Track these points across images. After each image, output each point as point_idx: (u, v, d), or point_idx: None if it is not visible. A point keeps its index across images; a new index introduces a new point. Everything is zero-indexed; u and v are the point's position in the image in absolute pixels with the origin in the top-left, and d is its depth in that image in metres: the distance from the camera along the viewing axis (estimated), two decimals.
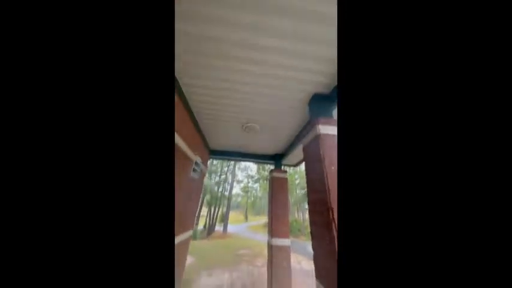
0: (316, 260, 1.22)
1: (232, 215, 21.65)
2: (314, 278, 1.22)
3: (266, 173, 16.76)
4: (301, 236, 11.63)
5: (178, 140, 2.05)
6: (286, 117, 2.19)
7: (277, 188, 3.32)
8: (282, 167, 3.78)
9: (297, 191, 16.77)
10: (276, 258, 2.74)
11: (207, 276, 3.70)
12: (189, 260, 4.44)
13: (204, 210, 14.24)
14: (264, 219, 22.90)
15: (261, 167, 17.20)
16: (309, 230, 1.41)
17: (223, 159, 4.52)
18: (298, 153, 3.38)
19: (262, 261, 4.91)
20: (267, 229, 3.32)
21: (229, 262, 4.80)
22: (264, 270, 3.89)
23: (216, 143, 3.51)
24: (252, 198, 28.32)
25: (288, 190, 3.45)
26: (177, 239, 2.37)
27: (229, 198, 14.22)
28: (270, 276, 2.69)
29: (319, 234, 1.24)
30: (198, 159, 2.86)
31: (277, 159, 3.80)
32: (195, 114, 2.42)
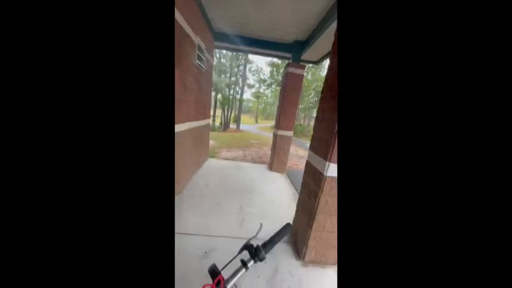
0: (315, 137, 1.43)
1: (243, 117, 23.97)
2: (308, 150, 1.51)
3: (280, 78, 15.29)
4: (302, 137, 13.61)
5: (178, 16, 1.52)
6: None
7: (290, 84, 3.13)
8: (301, 63, 3.22)
9: (309, 97, 16.39)
10: (279, 144, 3.41)
11: (226, 151, 5.13)
12: (212, 143, 5.77)
13: (218, 112, 15.65)
14: (272, 122, 25.54)
15: (274, 69, 15.22)
16: (310, 133, 1.48)
17: (230, 49, 3.81)
18: (324, 43, 2.63)
19: (267, 148, 6.30)
20: (273, 129, 3.74)
21: (243, 145, 6.26)
22: (268, 152, 5.08)
23: (221, 22, 2.70)
24: (263, 104, 29.25)
25: (301, 88, 3.27)
26: (199, 123, 2.83)
27: (240, 101, 14.74)
28: (273, 154, 3.55)
29: (323, 116, 1.32)
30: (201, 43, 2.40)
31: (296, 50, 3.11)
32: None
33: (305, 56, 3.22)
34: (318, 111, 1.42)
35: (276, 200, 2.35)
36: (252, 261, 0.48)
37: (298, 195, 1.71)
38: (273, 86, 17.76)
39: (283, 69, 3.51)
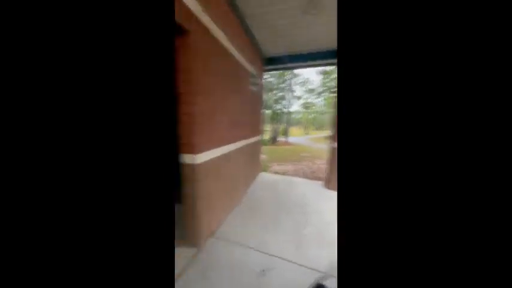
0: None
1: (292, 129, 23.55)
2: None
3: (333, 83, 14.08)
4: None
5: (231, 49, 1.91)
6: None
7: None
8: None
9: None
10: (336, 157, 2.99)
11: (277, 165, 5.12)
12: (262, 157, 6.02)
13: (267, 126, 16.45)
14: (324, 132, 23.23)
15: (326, 76, 14.30)
16: None
17: (278, 68, 4.05)
18: None
19: (320, 161, 5.70)
20: (327, 140, 3.37)
21: (293, 160, 6.05)
22: (322, 166, 4.58)
23: (269, 46, 2.99)
24: (313, 115, 27.54)
25: None
26: (252, 140, 3.10)
27: (288, 113, 14.79)
28: (330, 169, 3.14)
29: None
30: (253, 70, 2.74)
31: None
32: (239, 8, 1.94)
33: None
34: None
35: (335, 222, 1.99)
36: None
37: None
38: (324, 94, 16.56)
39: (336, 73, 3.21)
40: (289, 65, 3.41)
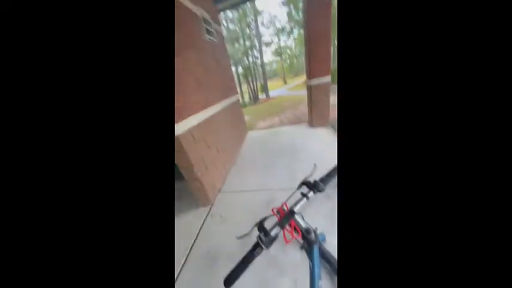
0: None
1: (270, 83, 22.32)
2: None
3: (301, 16, 12.31)
4: None
5: None
6: None
7: (315, 17, 2.49)
8: None
9: None
10: (315, 95, 3.04)
11: (263, 121, 5.20)
12: (246, 118, 5.95)
13: (244, 88, 15.27)
14: (303, 77, 22.43)
15: (292, 6, 12.22)
16: None
17: (235, 4, 3.33)
18: None
19: (303, 105, 5.82)
20: (305, 85, 3.27)
21: (277, 112, 6.11)
22: (305, 110, 4.72)
23: None
24: (288, 61, 25.55)
25: (331, 14, 2.53)
26: (230, 100, 2.94)
27: (262, 65, 13.54)
28: (310, 108, 3.25)
29: None
30: (204, 13, 2.24)
31: None
32: None
33: None
34: None
35: (322, 153, 2.29)
36: (312, 193, 0.53)
37: None
38: (295, 31, 14.69)
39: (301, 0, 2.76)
40: None
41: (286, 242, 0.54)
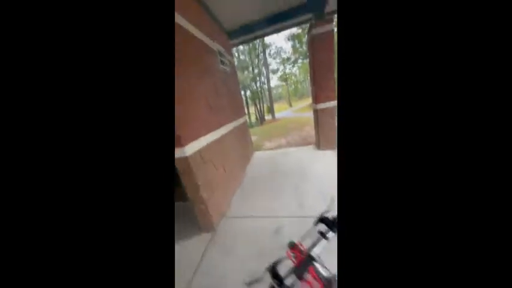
0: None
1: (276, 105, 23.34)
2: None
3: (305, 48, 13.64)
4: None
5: (191, 28, 1.72)
6: None
7: (319, 48, 2.74)
8: (326, 18, 2.73)
9: None
10: (322, 118, 3.10)
11: (269, 142, 5.23)
12: (253, 138, 6.06)
13: (251, 109, 16.08)
14: (308, 100, 23.39)
15: (296, 41, 13.69)
16: None
17: (247, 41, 3.78)
18: None
19: (309, 127, 5.89)
20: (310, 107, 3.41)
21: (283, 133, 6.18)
22: (312, 131, 4.76)
23: (231, 17, 2.74)
24: (293, 86, 27.22)
25: (333, 46, 2.78)
26: (238, 122, 3.06)
27: (269, 90, 14.47)
28: (317, 131, 3.28)
29: None
30: (220, 48, 2.54)
31: (316, 6, 2.67)
32: None
33: (329, 7, 2.69)
34: None
35: (331, 176, 2.19)
36: (331, 232, 0.47)
37: None
38: (299, 61, 16.10)
39: (306, 36, 3.10)
40: (257, 33, 3.19)
41: None
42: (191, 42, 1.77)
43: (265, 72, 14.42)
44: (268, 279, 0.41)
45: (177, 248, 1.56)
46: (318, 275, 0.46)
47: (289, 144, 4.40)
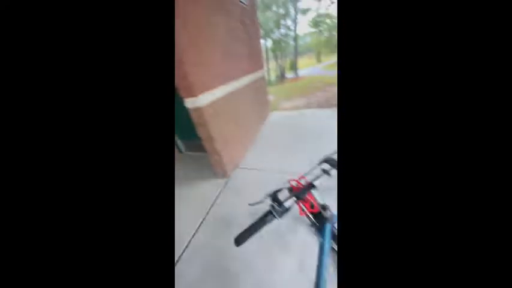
0: None
1: (301, 60, 20.06)
2: None
3: None
4: None
5: None
6: None
7: None
8: None
9: None
10: None
11: (287, 102, 4.86)
12: (270, 97, 5.68)
13: (271, 64, 14.09)
14: None
15: None
16: None
17: None
18: None
19: (335, 88, 5.15)
20: None
21: (305, 93, 5.60)
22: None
23: None
24: (326, 33, 21.78)
25: None
26: (255, 75, 2.77)
27: (295, 38, 11.98)
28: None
29: None
30: None
31: None
32: None
33: None
34: None
35: None
36: (334, 170, 0.52)
37: None
38: None
39: None
40: None
41: (301, 213, 0.54)
42: None
43: (293, 13, 11.45)
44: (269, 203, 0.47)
45: (197, 189, 1.85)
46: (315, 199, 0.53)
47: (310, 106, 4.04)
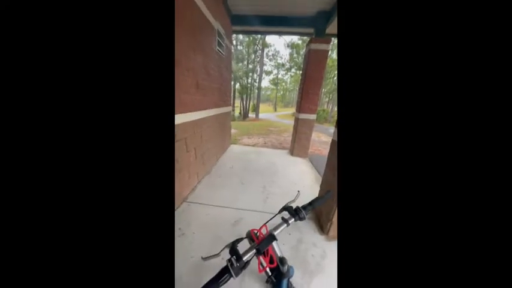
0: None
1: (262, 106, 23.61)
2: (334, 128, 1.45)
3: (300, 59, 14.26)
4: (325, 123, 12.80)
5: None
6: None
7: (313, 63, 2.92)
8: (325, 37, 2.94)
9: (333, 79, 14.95)
10: (300, 127, 3.32)
11: (247, 138, 5.28)
12: (233, 131, 5.99)
13: (237, 102, 15.78)
14: (292, 110, 24.50)
15: (294, 50, 14.20)
16: (334, 119, 1.39)
17: (248, 32, 3.72)
18: None
19: (287, 134, 6.21)
20: (293, 116, 3.61)
21: (262, 133, 6.34)
22: (288, 138, 5.03)
23: (240, 2, 2.64)
24: (282, 92, 28.07)
25: (325, 66, 3.02)
26: (222, 110, 2.96)
27: (258, 89, 14.51)
28: (294, 138, 3.50)
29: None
30: (220, 28, 2.42)
31: (320, 22, 2.85)
32: None
33: (330, 29, 2.92)
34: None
35: (299, 182, 2.38)
36: (293, 219, 0.50)
37: (321, 178, 1.71)
38: (293, 70, 16.73)
39: (304, 48, 3.28)
40: (259, 28, 3.17)
41: (260, 271, 0.47)
42: (193, 10, 1.63)
43: (259, 70, 14.39)
44: (225, 256, 0.40)
45: None
46: (275, 252, 0.50)
47: (266, 145, 4.54)
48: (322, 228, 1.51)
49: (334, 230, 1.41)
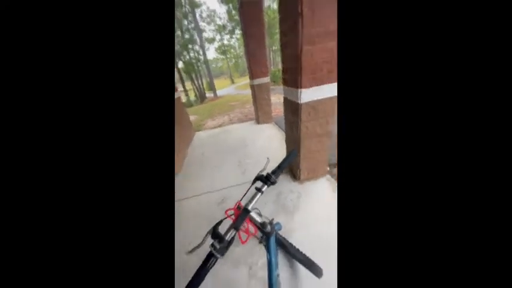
0: (284, 68, 1.37)
1: (217, 81, 21.65)
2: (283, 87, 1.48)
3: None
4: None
5: None
6: None
7: (250, 21, 2.66)
8: None
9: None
10: (258, 94, 3.29)
11: (212, 121, 5.01)
12: (193, 117, 5.51)
13: (189, 84, 13.87)
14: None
15: (231, 6, 12.34)
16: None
17: None
18: None
19: (250, 105, 6.13)
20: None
21: (226, 111, 6.07)
22: (252, 108, 5.00)
23: None
24: (233, 60, 25.71)
25: (263, 22, 2.80)
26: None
27: (206, 62, 12.84)
28: (256, 107, 3.49)
29: (286, 41, 1.22)
30: None
31: None
32: None
33: None
34: (280, 38, 1.30)
35: (269, 146, 2.54)
36: (266, 186, 0.53)
37: None
38: (237, 31, 14.99)
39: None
40: None
41: (242, 242, 0.51)
42: None
43: (198, 39, 12.30)
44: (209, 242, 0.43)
45: None
46: (253, 222, 0.55)
47: (232, 122, 4.44)
48: (295, 176, 1.75)
49: (303, 174, 1.65)
